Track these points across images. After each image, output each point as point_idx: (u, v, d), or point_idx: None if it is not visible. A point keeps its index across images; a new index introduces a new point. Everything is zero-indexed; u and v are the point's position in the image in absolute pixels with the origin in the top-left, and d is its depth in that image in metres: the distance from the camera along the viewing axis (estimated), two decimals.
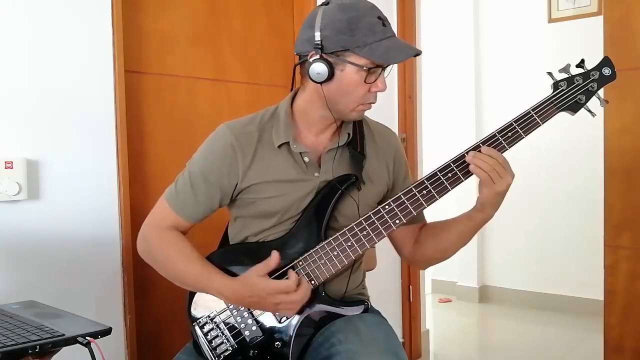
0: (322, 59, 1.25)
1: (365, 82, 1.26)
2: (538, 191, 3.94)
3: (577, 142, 3.68)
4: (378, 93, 1.31)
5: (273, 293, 1.24)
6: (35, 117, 1.69)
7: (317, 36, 1.24)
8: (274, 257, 1.27)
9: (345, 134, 1.38)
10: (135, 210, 1.86)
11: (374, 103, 1.33)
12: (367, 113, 1.38)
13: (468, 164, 1.27)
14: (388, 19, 1.29)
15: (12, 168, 1.62)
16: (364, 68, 1.24)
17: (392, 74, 1.36)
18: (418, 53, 1.29)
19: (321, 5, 1.29)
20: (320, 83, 1.27)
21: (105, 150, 1.83)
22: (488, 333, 3.85)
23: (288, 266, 1.30)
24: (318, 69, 1.25)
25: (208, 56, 2.22)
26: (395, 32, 1.29)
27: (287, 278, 1.27)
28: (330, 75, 1.25)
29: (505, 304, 4.10)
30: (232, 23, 2.29)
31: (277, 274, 1.29)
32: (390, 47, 1.24)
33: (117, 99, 1.84)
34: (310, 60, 1.26)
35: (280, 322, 1.32)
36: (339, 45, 1.24)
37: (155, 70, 2.05)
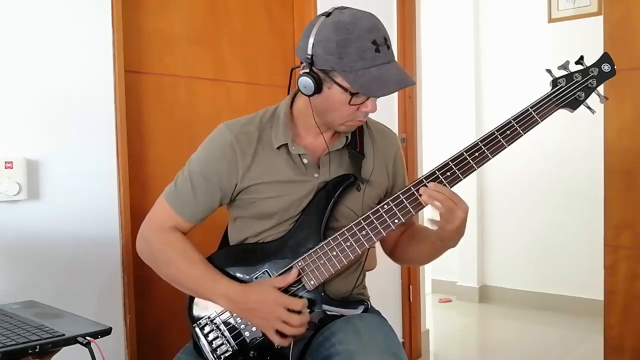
0: (311, 73, 1.24)
1: (349, 104, 1.25)
2: (538, 191, 3.94)
3: (577, 142, 3.68)
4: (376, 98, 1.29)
5: (280, 305, 1.25)
6: (35, 117, 1.69)
7: (309, 50, 1.24)
8: (294, 275, 1.28)
9: (343, 136, 1.38)
10: (135, 210, 1.86)
11: (364, 121, 1.33)
12: None
13: (468, 162, 1.27)
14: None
15: (12, 168, 1.62)
16: (349, 92, 1.23)
17: None
18: (407, 85, 1.25)
19: (322, 15, 1.27)
20: (309, 96, 1.27)
21: (105, 150, 1.82)
22: (488, 333, 3.85)
23: (288, 266, 1.30)
24: (305, 82, 1.25)
25: (208, 56, 2.22)
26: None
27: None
28: (318, 90, 1.25)
29: (505, 304, 4.10)
30: (232, 23, 2.29)
31: (279, 273, 1.30)
32: (376, 77, 1.20)
33: (117, 99, 1.84)
34: (300, 72, 1.26)
35: None
36: (327, 65, 1.22)
37: (155, 70, 2.05)
